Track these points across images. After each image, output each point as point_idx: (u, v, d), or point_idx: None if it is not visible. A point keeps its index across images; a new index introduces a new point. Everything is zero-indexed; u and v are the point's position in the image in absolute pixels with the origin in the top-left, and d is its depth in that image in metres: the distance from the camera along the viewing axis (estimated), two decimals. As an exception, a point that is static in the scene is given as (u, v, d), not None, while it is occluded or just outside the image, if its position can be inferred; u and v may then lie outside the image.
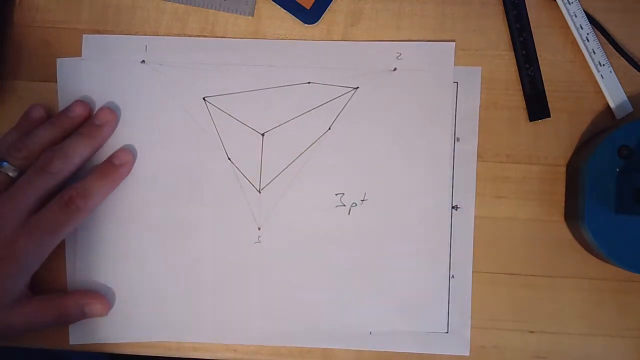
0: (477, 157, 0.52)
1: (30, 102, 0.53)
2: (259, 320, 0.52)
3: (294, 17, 0.53)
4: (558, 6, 0.52)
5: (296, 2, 0.52)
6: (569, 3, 0.51)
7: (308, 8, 0.52)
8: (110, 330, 0.52)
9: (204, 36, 0.53)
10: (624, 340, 0.51)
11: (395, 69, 0.52)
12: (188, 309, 0.52)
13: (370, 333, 0.52)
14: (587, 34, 0.51)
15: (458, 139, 0.52)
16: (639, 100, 0.52)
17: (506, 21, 0.52)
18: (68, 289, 0.52)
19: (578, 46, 0.52)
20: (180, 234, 0.52)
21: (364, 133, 0.52)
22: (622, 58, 0.51)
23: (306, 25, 0.53)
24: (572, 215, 0.50)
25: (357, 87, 0.52)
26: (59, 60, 0.53)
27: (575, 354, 0.51)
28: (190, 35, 0.53)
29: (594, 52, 0.51)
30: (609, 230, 0.47)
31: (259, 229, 0.52)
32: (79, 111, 0.51)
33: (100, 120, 0.51)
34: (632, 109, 0.51)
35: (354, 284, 0.52)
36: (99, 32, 0.53)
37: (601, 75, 0.51)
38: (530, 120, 0.52)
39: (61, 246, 0.52)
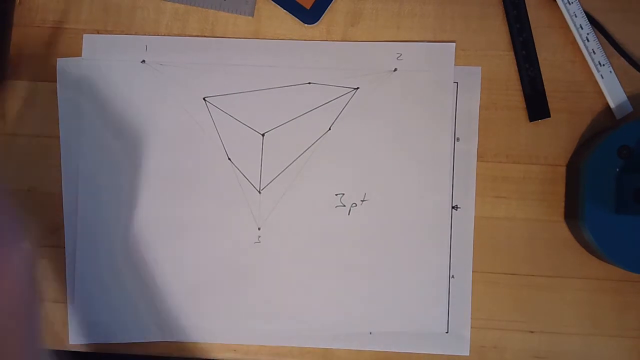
0: (477, 157, 0.52)
1: (30, 102, 0.53)
2: (259, 320, 0.52)
3: (294, 17, 0.53)
4: (558, 6, 0.52)
5: (296, 2, 0.52)
6: (569, 3, 0.51)
7: (308, 8, 0.52)
8: (110, 330, 0.52)
9: (204, 36, 0.53)
10: (624, 340, 0.51)
11: (395, 70, 0.52)
12: (188, 308, 0.52)
13: (370, 333, 0.52)
14: (587, 34, 0.51)
15: (458, 139, 0.52)
16: (639, 100, 0.52)
17: (506, 21, 0.52)
18: (67, 290, 0.52)
19: (578, 46, 0.52)
20: (180, 234, 0.52)
21: (364, 133, 0.52)
22: (622, 58, 0.51)
23: (306, 25, 0.53)
24: (572, 215, 0.50)
25: (357, 88, 0.52)
26: (59, 60, 0.53)
27: (575, 354, 0.51)
28: (190, 35, 0.53)
29: (594, 52, 0.51)
30: (609, 230, 0.47)
31: (259, 229, 0.52)
32: None
33: None
34: (632, 109, 0.51)
35: (354, 284, 0.52)
36: (99, 32, 0.53)
37: (601, 75, 0.51)
38: (530, 120, 0.52)
39: (61, 246, 0.52)
